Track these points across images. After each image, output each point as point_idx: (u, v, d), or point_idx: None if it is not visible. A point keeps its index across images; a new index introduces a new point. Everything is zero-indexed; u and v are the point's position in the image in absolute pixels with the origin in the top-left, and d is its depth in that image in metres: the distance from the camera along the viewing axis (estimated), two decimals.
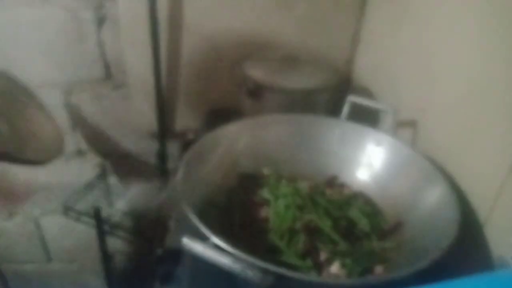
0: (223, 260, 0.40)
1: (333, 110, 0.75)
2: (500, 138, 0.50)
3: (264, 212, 0.58)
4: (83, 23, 0.96)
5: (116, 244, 1.26)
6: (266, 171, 0.66)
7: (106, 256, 1.18)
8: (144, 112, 1.05)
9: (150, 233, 1.06)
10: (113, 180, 1.19)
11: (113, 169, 1.18)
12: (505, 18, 0.49)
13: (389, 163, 0.64)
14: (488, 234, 0.50)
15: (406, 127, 0.72)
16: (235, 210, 0.59)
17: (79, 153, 1.16)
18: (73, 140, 1.14)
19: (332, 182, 0.66)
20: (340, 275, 0.47)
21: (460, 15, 0.59)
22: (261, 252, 0.50)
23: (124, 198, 1.18)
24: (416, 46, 0.73)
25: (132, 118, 1.09)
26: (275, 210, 0.57)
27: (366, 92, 0.92)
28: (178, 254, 0.58)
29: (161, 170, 1.11)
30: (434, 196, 0.54)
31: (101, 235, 1.10)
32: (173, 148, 1.12)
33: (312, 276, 0.40)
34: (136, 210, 1.12)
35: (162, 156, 1.10)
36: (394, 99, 0.76)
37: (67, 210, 1.04)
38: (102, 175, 1.16)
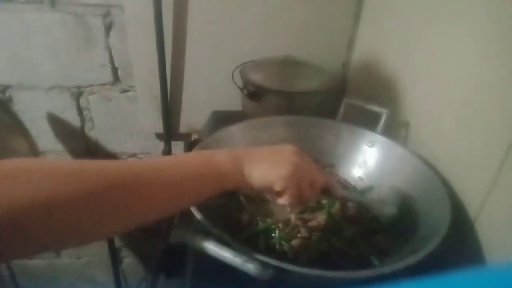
0: (224, 254, 0.39)
1: (330, 111, 0.74)
2: (490, 136, 0.49)
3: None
4: (92, 29, 0.95)
5: (123, 239, 1.26)
6: None
7: (113, 251, 1.18)
8: (150, 114, 1.05)
9: (156, 229, 1.05)
10: None
11: None
12: (500, 22, 0.49)
13: (383, 162, 0.63)
14: (479, 229, 0.50)
15: (399, 128, 0.72)
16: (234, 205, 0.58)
17: (87, 153, 1.16)
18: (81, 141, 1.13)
19: None
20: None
21: (454, 21, 0.59)
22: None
23: None
24: (409, 51, 0.72)
25: (139, 120, 1.08)
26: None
27: (361, 95, 0.92)
28: (182, 249, 0.57)
29: None
30: (426, 193, 0.53)
31: None
32: (178, 148, 1.12)
33: (311, 270, 0.39)
34: None
35: (167, 155, 1.09)
36: (387, 101, 0.75)
37: None
38: None
